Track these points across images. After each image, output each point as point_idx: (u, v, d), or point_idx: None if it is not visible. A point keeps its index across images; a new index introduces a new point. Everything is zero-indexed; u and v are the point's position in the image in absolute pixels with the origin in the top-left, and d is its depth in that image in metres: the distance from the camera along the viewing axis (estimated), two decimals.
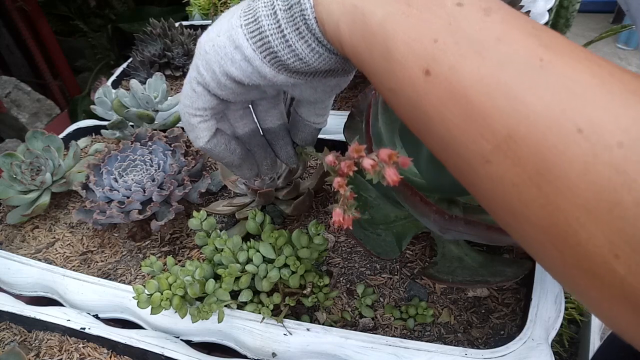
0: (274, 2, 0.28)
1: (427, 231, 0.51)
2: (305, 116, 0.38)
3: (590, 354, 0.54)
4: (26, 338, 0.53)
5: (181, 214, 0.62)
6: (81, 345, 0.51)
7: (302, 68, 0.29)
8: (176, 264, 0.49)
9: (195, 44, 0.94)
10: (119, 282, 0.57)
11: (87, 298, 0.55)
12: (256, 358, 0.48)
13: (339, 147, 0.66)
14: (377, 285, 0.51)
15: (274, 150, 0.40)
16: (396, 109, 0.24)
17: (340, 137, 0.55)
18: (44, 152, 0.68)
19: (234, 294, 0.48)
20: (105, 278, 0.57)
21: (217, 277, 0.47)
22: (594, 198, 0.16)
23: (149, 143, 0.63)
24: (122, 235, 0.63)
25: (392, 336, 0.46)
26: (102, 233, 0.65)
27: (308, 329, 0.46)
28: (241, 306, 0.49)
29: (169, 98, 0.75)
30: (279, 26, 0.27)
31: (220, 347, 0.50)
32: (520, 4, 0.69)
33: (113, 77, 0.93)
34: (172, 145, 0.63)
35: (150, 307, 0.46)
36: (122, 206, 0.57)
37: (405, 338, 0.46)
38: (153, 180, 0.59)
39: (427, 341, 0.45)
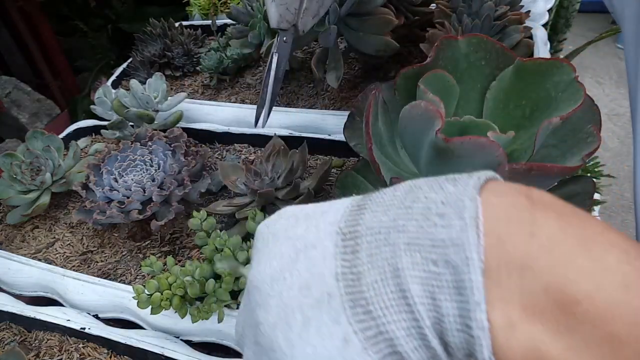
0: (423, 328, 0.18)
1: None
2: None
3: None
4: (26, 338, 0.53)
5: (181, 214, 0.62)
6: (81, 345, 0.51)
7: None
8: (176, 264, 0.49)
9: (195, 44, 0.94)
10: (119, 282, 0.57)
11: (87, 298, 0.55)
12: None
13: (339, 147, 0.66)
14: None
15: None
16: None
17: (341, 137, 0.55)
18: (44, 152, 0.68)
19: (234, 294, 0.48)
20: (105, 278, 0.57)
21: (217, 277, 0.47)
22: None
23: (149, 143, 0.63)
24: (122, 235, 0.63)
25: None
26: (102, 233, 0.65)
27: None
28: None
29: (169, 98, 0.75)
30: None
31: (220, 347, 0.50)
32: (520, 4, 0.69)
33: (113, 77, 0.93)
34: (172, 145, 0.63)
35: (150, 307, 0.46)
36: (122, 206, 0.57)
37: None
38: (153, 180, 0.59)
39: None
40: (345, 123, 0.54)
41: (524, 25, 0.68)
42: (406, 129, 0.42)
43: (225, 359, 0.49)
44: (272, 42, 0.68)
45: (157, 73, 0.75)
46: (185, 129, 0.68)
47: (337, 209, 0.22)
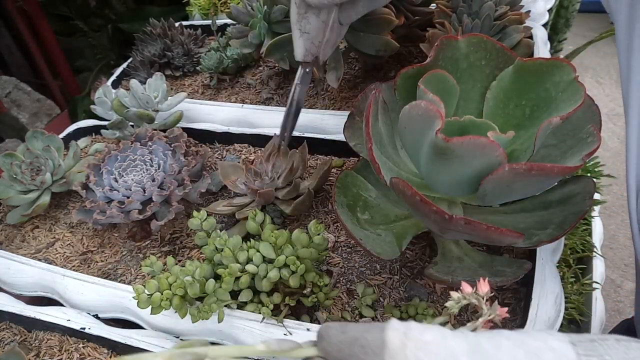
0: None
1: (427, 231, 0.51)
2: None
3: None
4: (26, 338, 0.53)
5: (181, 214, 0.62)
6: (81, 345, 0.51)
7: None
8: (176, 264, 0.49)
9: (195, 44, 0.94)
10: (119, 282, 0.57)
11: (87, 298, 0.55)
12: (256, 358, 0.48)
13: (339, 147, 0.66)
14: (377, 285, 0.51)
15: None
16: None
17: (341, 137, 0.55)
18: (44, 152, 0.68)
19: (234, 294, 0.48)
20: (105, 278, 0.57)
21: (217, 277, 0.47)
22: None
23: (149, 143, 0.63)
24: (122, 235, 0.63)
25: None
26: (102, 233, 0.65)
27: (308, 329, 0.46)
28: (241, 306, 0.49)
29: (169, 98, 0.75)
30: None
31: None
32: (520, 4, 0.69)
33: (113, 77, 0.93)
34: (172, 145, 0.63)
35: (150, 307, 0.46)
36: (122, 206, 0.57)
37: None
38: (153, 180, 0.59)
39: None
40: (345, 123, 0.54)
41: (524, 25, 0.68)
42: (406, 129, 0.42)
43: None
44: (272, 42, 0.68)
45: (157, 73, 0.75)
46: (185, 129, 0.69)
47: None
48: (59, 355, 0.51)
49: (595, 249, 0.61)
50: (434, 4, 0.72)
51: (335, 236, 0.57)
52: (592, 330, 0.57)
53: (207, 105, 0.80)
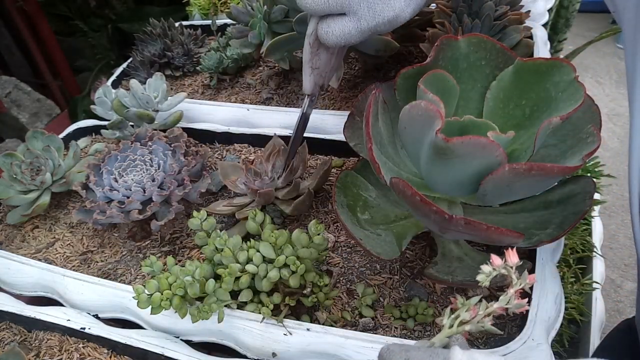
0: None
1: (427, 231, 0.51)
2: None
3: (590, 354, 0.54)
4: (26, 338, 0.53)
5: (181, 214, 0.62)
6: (81, 345, 0.51)
7: None
8: (176, 264, 0.49)
9: (195, 44, 0.94)
10: (119, 282, 0.57)
11: (87, 298, 0.55)
12: (256, 358, 0.48)
13: (339, 147, 0.66)
14: (377, 285, 0.51)
15: None
16: None
17: (341, 137, 0.55)
18: (44, 152, 0.68)
19: (234, 294, 0.48)
20: (105, 278, 0.57)
21: (217, 277, 0.47)
22: None
23: (149, 143, 0.63)
24: (122, 235, 0.63)
25: (392, 336, 0.46)
26: (102, 233, 0.65)
27: (308, 329, 0.46)
28: (241, 306, 0.49)
29: (169, 98, 0.75)
30: None
31: (220, 347, 0.50)
32: (520, 4, 0.69)
33: (113, 77, 0.93)
34: (172, 145, 0.63)
35: (150, 307, 0.46)
36: (122, 206, 0.57)
37: (405, 338, 0.46)
38: (153, 180, 0.59)
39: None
40: (345, 123, 0.54)
41: (524, 25, 0.68)
42: (406, 129, 0.42)
43: (225, 359, 0.49)
44: (272, 42, 0.68)
45: (157, 73, 0.75)
46: (185, 129, 0.68)
47: None
48: (59, 355, 0.51)
49: (595, 249, 0.61)
50: (434, 4, 0.72)
51: (335, 236, 0.57)
52: (592, 330, 0.57)
53: (207, 105, 0.80)
